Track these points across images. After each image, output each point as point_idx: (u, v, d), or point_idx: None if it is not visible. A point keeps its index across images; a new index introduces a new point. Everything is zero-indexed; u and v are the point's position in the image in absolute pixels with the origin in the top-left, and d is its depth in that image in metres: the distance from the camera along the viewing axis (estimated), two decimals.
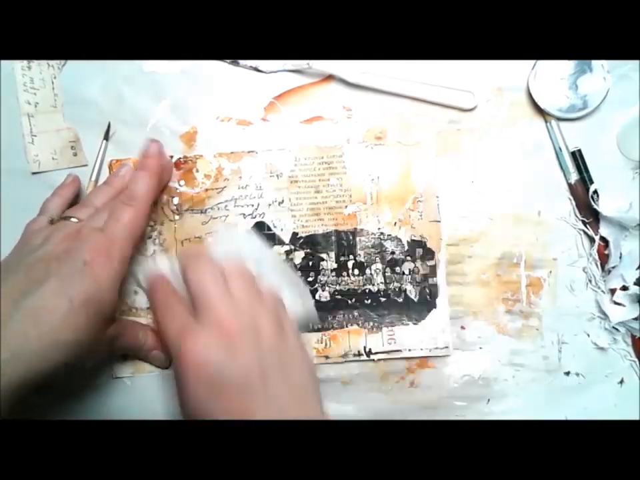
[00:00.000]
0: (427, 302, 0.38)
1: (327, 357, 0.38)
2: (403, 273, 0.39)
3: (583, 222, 0.39)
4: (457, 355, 0.38)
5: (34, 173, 0.39)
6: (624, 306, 0.38)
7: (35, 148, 0.39)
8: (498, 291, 0.39)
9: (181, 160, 0.39)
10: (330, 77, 0.40)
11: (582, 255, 0.39)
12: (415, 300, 0.38)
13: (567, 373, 0.38)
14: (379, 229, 0.39)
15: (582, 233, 0.39)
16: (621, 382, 0.38)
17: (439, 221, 0.39)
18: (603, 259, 0.38)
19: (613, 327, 0.38)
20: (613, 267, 0.38)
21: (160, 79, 0.39)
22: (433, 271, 0.38)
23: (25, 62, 0.39)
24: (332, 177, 0.39)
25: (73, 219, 0.34)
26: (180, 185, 0.39)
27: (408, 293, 0.38)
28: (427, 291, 0.38)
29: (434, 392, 0.38)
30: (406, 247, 0.39)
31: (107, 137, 0.39)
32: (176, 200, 0.39)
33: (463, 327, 0.38)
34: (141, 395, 0.38)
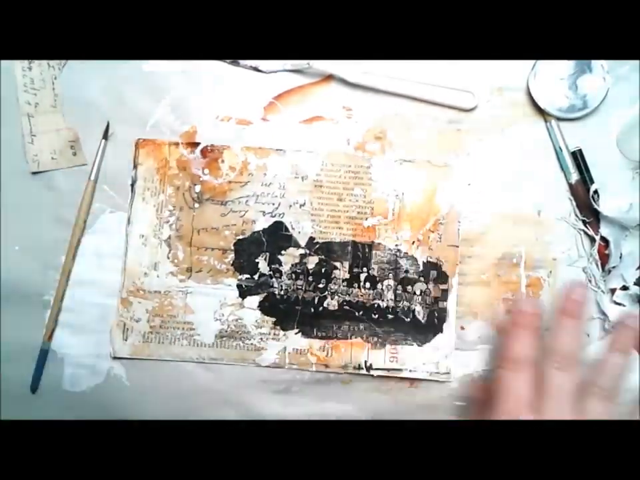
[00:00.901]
0: (434, 325, 0.38)
1: (326, 366, 0.38)
2: (414, 293, 0.38)
3: (583, 222, 0.39)
4: (457, 355, 0.38)
5: (33, 173, 0.39)
6: (624, 306, 0.38)
7: (34, 148, 0.39)
8: (498, 291, 0.39)
9: (208, 148, 0.39)
10: (330, 77, 0.40)
11: (582, 255, 0.39)
12: (423, 322, 0.38)
13: None
14: (396, 245, 0.39)
15: (582, 233, 0.39)
16: None
17: (457, 246, 0.38)
18: (603, 259, 0.38)
19: (612, 327, 0.38)
20: (613, 267, 0.38)
21: (160, 79, 0.39)
22: (445, 295, 0.38)
23: (25, 62, 0.39)
24: (357, 187, 0.39)
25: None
26: (204, 174, 0.39)
27: (416, 313, 0.38)
28: (436, 314, 0.38)
29: (434, 392, 0.38)
30: (420, 268, 0.38)
31: (105, 136, 0.39)
32: (198, 188, 0.39)
33: (462, 327, 0.38)
34: (141, 394, 0.38)
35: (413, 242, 0.39)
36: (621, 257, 0.38)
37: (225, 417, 0.38)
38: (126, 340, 0.38)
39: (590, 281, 0.39)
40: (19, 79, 0.39)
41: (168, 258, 0.39)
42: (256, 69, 0.40)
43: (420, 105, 0.40)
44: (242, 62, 0.39)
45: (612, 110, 0.39)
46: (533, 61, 0.39)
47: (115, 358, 0.38)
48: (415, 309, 0.38)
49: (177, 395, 0.38)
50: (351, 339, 0.38)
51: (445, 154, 0.39)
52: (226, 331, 0.38)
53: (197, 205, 0.39)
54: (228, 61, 0.39)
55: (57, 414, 0.38)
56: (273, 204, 0.39)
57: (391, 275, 0.38)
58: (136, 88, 0.39)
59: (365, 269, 0.39)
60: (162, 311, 0.38)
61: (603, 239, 0.38)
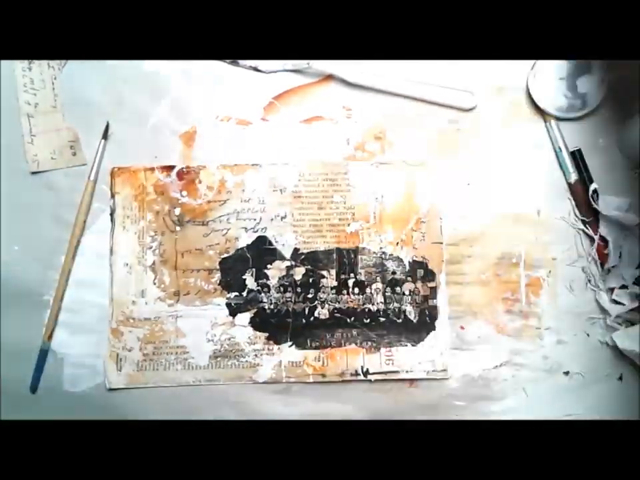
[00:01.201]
0: (426, 324, 0.38)
1: (323, 375, 0.38)
2: (403, 294, 0.38)
3: (583, 222, 0.39)
4: (457, 354, 0.38)
5: (33, 173, 0.39)
6: (623, 304, 0.38)
7: (34, 148, 0.39)
8: (497, 291, 0.39)
9: (184, 170, 0.39)
10: (330, 77, 0.40)
11: (581, 255, 0.39)
12: (414, 321, 0.38)
13: (567, 373, 0.38)
14: (380, 248, 0.39)
15: (581, 232, 0.39)
16: (620, 378, 0.38)
17: (441, 243, 0.38)
18: (603, 258, 0.38)
19: (614, 322, 0.38)
20: (613, 267, 0.38)
21: (160, 79, 0.39)
22: (434, 292, 0.38)
23: (25, 63, 0.39)
24: (336, 194, 0.39)
25: None
26: (182, 196, 0.39)
27: (407, 313, 0.38)
28: (427, 312, 0.38)
29: (434, 392, 0.38)
30: (407, 268, 0.38)
31: (105, 136, 0.39)
32: (177, 210, 0.39)
33: (462, 327, 0.38)
34: (141, 394, 0.38)
35: (397, 243, 0.39)
36: (620, 257, 0.38)
37: (225, 417, 0.38)
38: (120, 370, 0.38)
39: (589, 281, 0.39)
40: (18, 79, 0.39)
41: (154, 284, 0.38)
42: (256, 69, 0.40)
43: (420, 105, 0.40)
44: (242, 62, 0.39)
45: (612, 110, 0.39)
46: (532, 61, 0.39)
47: (110, 390, 0.38)
48: (405, 310, 0.38)
49: (176, 394, 0.38)
50: (345, 345, 0.38)
51: (444, 154, 0.39)
52: (220, 351, 0.38)
53: (178, 228, 0.39)
54: (228, 61, 0.39)
55: (57, 414, 0.38)
56: (254, 219, 0.39)
57: (378, 277, 0.38)
58: (136, 88, 0.39)
59: (352, 275, 0.38)
60: (154, 338, 0.38)
61: (603, 238, 0.38)
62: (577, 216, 0.39)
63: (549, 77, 0.39)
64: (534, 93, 0.39)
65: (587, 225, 0.38)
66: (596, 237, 0.38)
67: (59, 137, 0.39)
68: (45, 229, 0.39)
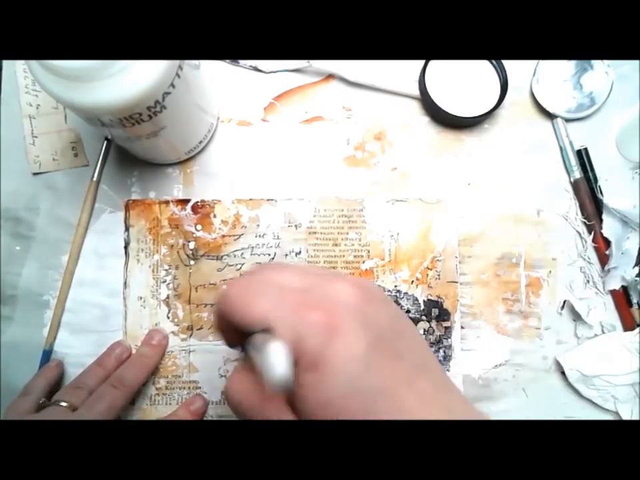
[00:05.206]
0: (440, 364, 0.37)
1: None
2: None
3: (584, 222, 0.38)
4: (457, 355, 0.38)
5: (35, 174, 0.39)
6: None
7: (35, 149, 0.39)
8: (497, 291, 0.39)
9: (198, 204, 0.39)
10: (330, 77, 0.40)
11: (582, 255, 0.39)
12: None
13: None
14: (395, 286, 0.38)
15: (582, 232, 0.39)
16: None
17: (457, 282, 0.38)
18: (603, 259, 0.38)
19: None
20: (613, 268, 0.38)
21: None
22: (448, 332, 0.38)
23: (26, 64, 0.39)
24: (351, 230, 0.39)
25: (62, 403, 0.33)
26: (197, 230, 0.38)
27: None
28: (442, 352, 0.38)
29: None
30: (422, 306, 0.38)
31: (107, 137, 0.39)
32: (192, 244, 0.38)
33: (462, 327, 0.38)
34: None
35: (412, 281, 0.38)
36: (620, 257, 0.38)
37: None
38: (133, 404, 0.37)
39: (588, 281, 0.39)
40: (20, 81, 0.39)
41: (168, 318, 0.38)
42: (256, 69, 0.40)
43: (420, 105, 0.40)
44: (242, 62, 0.39)
45: (612, 110, 0.39)
46: (533, 64, 0.39)
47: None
48: None
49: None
50: None
51: (444, 154, 0.39)
52: None
53: (192, 262, 0.38)
54: (228, 61, 0.39)
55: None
56: (269, 254, 0.38)
57: None
58: None
59: None
60: (166, 372, 0.38)
61: (605, 239, 0.38)
62: (577, 216, 0.39)
63: (552, 81, 0.39)
64: (540, 99, 0.38)
65: (589, 225, 0.38)
66: (598, 238, 0.38)
67: (61, 138, 0.39)
68: (45, 229, 0.39)
